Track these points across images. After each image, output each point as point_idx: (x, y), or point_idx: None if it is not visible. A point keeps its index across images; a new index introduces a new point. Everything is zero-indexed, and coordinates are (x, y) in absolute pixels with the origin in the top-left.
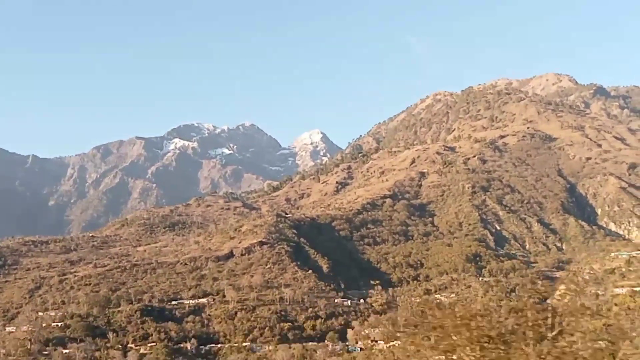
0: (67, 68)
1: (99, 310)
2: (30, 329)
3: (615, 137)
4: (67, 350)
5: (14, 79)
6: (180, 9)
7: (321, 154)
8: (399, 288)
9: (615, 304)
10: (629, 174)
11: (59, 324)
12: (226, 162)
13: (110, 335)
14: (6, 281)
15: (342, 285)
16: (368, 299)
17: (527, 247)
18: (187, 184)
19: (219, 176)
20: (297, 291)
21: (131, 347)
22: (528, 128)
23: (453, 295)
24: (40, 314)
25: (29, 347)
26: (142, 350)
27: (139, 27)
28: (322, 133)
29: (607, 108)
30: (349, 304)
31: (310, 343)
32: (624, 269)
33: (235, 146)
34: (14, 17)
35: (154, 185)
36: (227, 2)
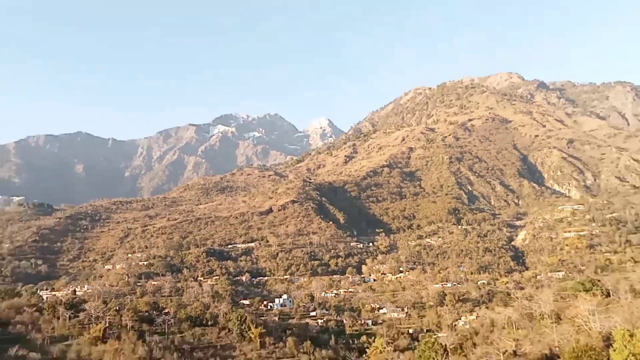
0: (132, 70)
1: (174, 252)
2: (124, 266)
3: (556, 120)
4: (155, 282)
5: (93, 78)
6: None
7: (328, 135)
8: (397, 234)
9: (566, 245)
10: (568, 147)
11: (145, 263)
12: (257, 143)
13: (185, 271)
14: (102, 231)
15: (355, 233)
16: (375, 243)
17: (492, 203)
18: (227, 159)
19: (252, 153)
20: (322, 237)
21: (201, 280)
22: (489, 113)
23: (440, 239)
24: (129, 255)
25: (127, 280)
26: (209, 282)
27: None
28: (328, 120)
29: (548, 98)
30: (361, 247)
31: (334, 275)
32: (569, 219)
33: (263, 130)
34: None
35: (203, 160)
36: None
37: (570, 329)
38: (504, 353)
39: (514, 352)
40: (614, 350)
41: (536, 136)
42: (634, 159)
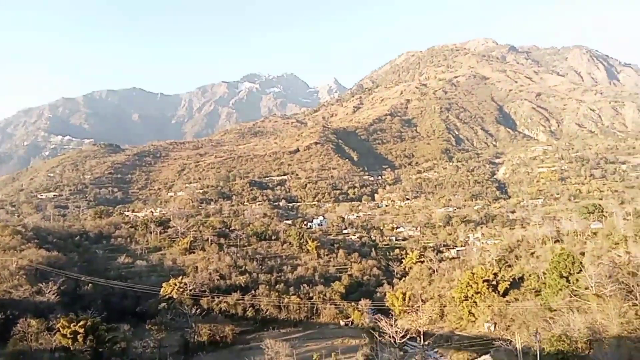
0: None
1: (224, 183)
2: (186, 194)
3: (526, 77)
4: (213, 206)
5: (147, 39)
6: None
7: (334, 91)
8: (400, 170)
9: (542, 178)
10: (536, 99)
11: (201, 191)
12: (276, 97)
13: (233, 198)
14: (162, 166)
15: (366, 168)
16: (383, 176)
17: (475, 144)
18: (253, 110)
19: (273, 105)
20: (340, 172)
21: (248, 205)
22: (471, 72)
23: (436, 173)
24: (187, 185)
25: (191, 204)
26: (253, 206)
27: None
28: (334, 78)
29: (517, 59)
30: (372, 179)
31: (353, 202)
32: (541, 157)
33: (281, 86)
34: None
35: (234, 110)
36: None
37: None
38: (619, 263)
39: (629, 262)
40: None
41: (510, 90)
42: (590, 109)
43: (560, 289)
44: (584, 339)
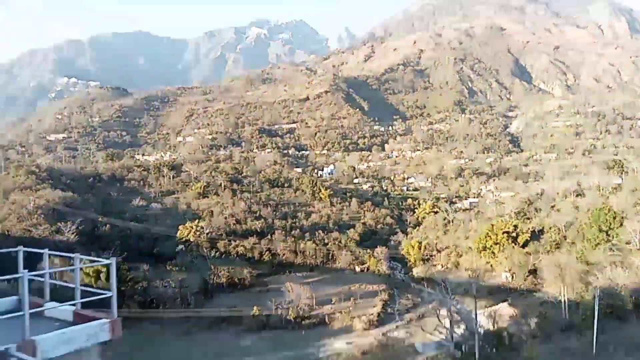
0: None
1: (232, 129)
2: (195, 139)
3: (544, 29)
4: (223, 152)
5: None
6: None
7: (344, 39)
8: (411, 120)
9: (556, 132)
10: (554, 52)
11: (210, 137)
12: (285, 43)
13: (243, 144)
14: (170, 111)
15: (377, 118)
16: (394, 127)
17: (488, 97)
18: (261, 57)
19: (282, 52)
20: (351, 121)
21: (257, 152)
22: (488, 22)
23: (448, 125)
24: (196, 131)
25: (201, 149)
26: (263, 153)
27: None
28: (345, 26)
29: (537, 11)
30: (383, 130)
31: (363, 152)
32: (557, 111)
33: (291, 33)
34: None
35: (241, 57)
36: None
37: None
38: None
39: None
40: None
41: (527, 42)
42: (610, 64)
43: (599, 243)
44: (629, 294)
